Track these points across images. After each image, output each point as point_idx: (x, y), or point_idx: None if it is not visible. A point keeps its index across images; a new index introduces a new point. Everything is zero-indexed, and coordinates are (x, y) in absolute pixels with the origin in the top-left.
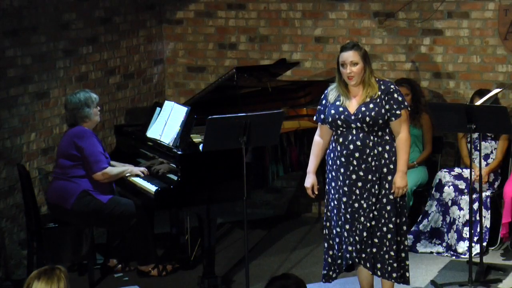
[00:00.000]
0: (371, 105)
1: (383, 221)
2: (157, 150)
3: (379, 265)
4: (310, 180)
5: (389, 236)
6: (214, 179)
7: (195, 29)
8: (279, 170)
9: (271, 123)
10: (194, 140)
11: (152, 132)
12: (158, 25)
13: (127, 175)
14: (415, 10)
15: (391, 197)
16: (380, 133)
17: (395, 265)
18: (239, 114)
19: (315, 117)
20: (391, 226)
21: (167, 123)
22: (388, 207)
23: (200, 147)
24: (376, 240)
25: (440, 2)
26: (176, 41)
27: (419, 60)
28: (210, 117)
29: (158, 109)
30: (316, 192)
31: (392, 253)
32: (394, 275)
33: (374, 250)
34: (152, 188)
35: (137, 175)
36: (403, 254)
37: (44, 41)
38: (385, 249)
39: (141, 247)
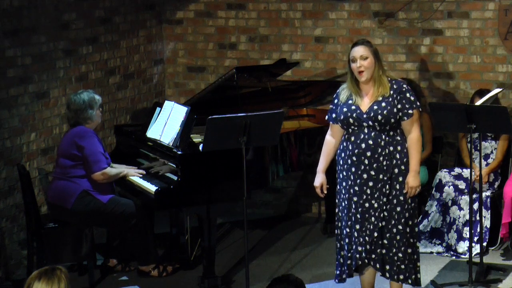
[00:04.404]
0: (383, 104)
1: (393, 222)
2: (157, 150)
3: (388, 267)
4: (319, 180)
5: (398, 237)
6: (214, 179)
7: (195, 29)
8: (279, 170)
9: (271, 123)
10: (194, 140)
11: (152, 132)
12: (158, 25)
13: (124, 176)
14: (415, 10)
15: (401, 198)
16: (391, 133)
17: (402, 266)
18: (239, 114)
19: (326, 117)
20: (400, 227)
21: (167, 123)
22: (398, 208)
23: (200, 147)
24: (385, 242)
25: (440, 2)
26: (176, 41)
27: (419, 60)
28: (210, 117)
29: (158, 109)
30: (325, 192)
31: (400, 254)
32: (402, 276)
33: (384, 251)
34: (152, 188)
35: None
36: (415, 256)
37: (44, 41)
38: (394, 250)
39: (141, 247)
